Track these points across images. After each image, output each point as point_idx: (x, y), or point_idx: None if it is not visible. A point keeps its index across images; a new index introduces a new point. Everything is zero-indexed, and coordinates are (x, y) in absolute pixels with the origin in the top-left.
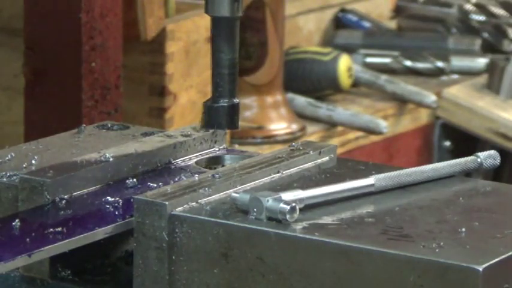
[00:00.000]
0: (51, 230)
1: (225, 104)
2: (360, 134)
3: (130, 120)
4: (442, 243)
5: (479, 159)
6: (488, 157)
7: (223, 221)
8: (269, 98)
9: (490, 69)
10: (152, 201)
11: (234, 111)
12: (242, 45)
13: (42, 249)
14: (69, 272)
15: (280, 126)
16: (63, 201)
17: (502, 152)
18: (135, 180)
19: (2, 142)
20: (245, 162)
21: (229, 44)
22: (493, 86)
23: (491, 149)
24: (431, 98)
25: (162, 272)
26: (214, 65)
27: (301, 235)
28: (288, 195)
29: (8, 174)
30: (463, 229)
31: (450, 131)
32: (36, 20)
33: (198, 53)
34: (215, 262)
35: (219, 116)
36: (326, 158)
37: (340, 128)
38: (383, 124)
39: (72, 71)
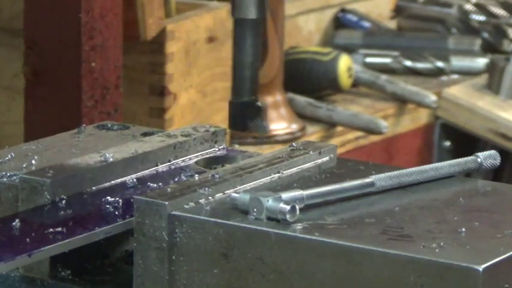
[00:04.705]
0: (51, 230)
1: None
2: (359, 134)
3: (131, 120)
4: (442, 243)
5: (479, 159)
6: (488, 157)
7: (223, 221)
8: (269, 98)
9: (490, 69)
10: (152, 201)
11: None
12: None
13: (42, 249)
14: (69, 272)
15: (280, 126)
16: (63, 201)
17: (502, 152)
18: (135, 180)
19: (2, 142)
20: (245, 162)
21: (252, 45)
22: (493, 86)
23: (491, 149)
24: (431, 98)
25: (162, 272)
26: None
27: (301, 235)
28: (288, 195)
29: (8, 174)
30: (463, 229)
31: (450, 131)
32: (36, 20)
33: (198, 53)
34: (215, 262)
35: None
36: (326, 158)
37: (340, 128)
38: (383, 124)
39: (72, 71)
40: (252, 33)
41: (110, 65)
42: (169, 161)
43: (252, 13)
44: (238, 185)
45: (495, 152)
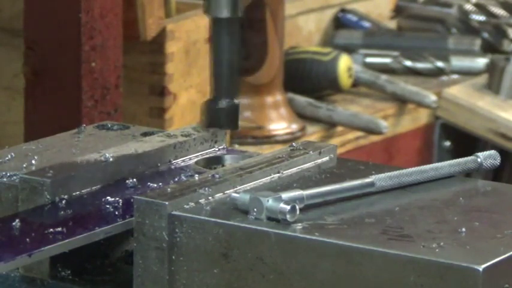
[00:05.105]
0: (51, 230)
1: (225, 105)
2: (359, 134)
3: (130, 120)
4: (442, 243)
5: (479, 159)
6: (488, 157)
7: (223, 221)
8: (269, 98)
9: (490, 69)
10: (152, 201)
11: (234, 111)
12: (242, 45)
13: (42, 249)
14: (69, 272)
15: (280, 126)
16: (63, 201)
17: (502, 152)
18: (135, 180)
19: (2, 142)
20: (245, 162)
21: (229, 45)
22: (493, 86)
23: (491, 149)
24: (431, 98)
25: (162, 272)
26: (214, 66)
27: (301, 235)
28: (288, 195)
29: (8, 174)
30: (463, 229)
31: (450, 131)
32: (36, 20)
33: (198, 53)
34: (215, 262)
35: (220, 116)
36: (326, 158)
37: (340, 128)
38: (383, 124)
39: (72, 71)
40: (227, 32)
41: (110, 65)
42: (169, 161)
43: (225, 12)
44: (238, 185)
45: (495, 152)
